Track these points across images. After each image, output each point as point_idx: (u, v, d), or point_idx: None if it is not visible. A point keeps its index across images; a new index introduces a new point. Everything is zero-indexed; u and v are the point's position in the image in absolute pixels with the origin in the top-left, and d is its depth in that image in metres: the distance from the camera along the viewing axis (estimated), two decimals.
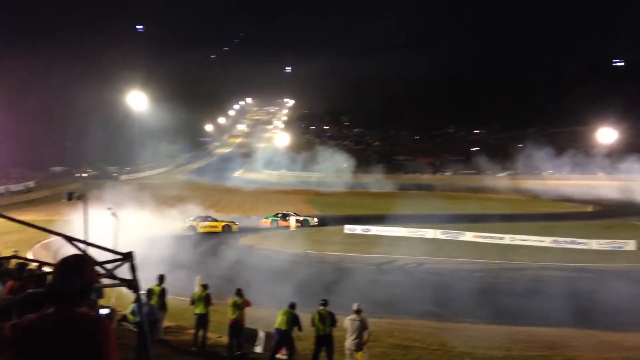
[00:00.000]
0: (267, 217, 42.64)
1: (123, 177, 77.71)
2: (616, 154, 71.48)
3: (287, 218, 42.25)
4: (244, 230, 38.94)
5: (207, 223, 39.16)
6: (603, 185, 71.45)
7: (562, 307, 19.31)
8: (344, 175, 67.19)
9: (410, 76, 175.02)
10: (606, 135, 79.52)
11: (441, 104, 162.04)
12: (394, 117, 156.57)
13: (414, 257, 30.77)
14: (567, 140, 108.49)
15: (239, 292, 13.65)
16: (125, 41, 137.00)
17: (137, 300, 4.16)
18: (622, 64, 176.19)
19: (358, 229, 39.50)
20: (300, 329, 12.35)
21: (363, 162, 78.56)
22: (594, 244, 33.14)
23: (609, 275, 26.46)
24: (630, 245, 32.39)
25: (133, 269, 3.75)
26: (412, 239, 36.84)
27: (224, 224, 39.37)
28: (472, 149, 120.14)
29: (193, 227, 38.46)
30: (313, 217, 43.75)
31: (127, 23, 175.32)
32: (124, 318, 14.31)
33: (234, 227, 39.42)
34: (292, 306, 12.51)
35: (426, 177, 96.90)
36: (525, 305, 20.05)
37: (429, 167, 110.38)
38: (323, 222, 43.18)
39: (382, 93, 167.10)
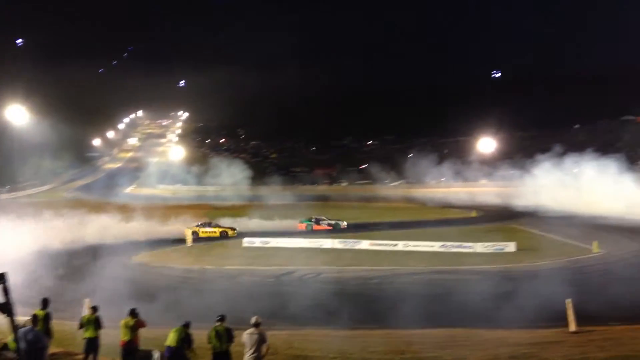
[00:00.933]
0: (302, 221, 47.12)
1: (2, 195, 72.03)
2: (496, 162, 76.80)
3: (320, 222, 46.69)
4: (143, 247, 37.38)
5: (208, 229, 43.68)
6: (485, 191, 76.34)
7: (452, 308, 20.41)
8: (241, 188, 66.56)
9: (305, 89, 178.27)
10: (486, 144, 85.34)
11: (336, 117, 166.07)
12: (291, 129, 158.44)
13: (313, 267, 31.12)
14: (452, 149, 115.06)
15: (132, 313, 13.08)
16: (4, 54, 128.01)
17: (14, 326, 3.89)
18: (499, 75, 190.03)
19: (257, 241, 39.33)
20: (189, 347, 12.07)
21: (260, 175, 78.26)
22: (479, 247, 35.29)
23: (493, 275, 28.23)
24: (510, 247, 34.85)
25: (6, 291, 3.52)
26: (311, 250, 37.25)
27: (221, 229, 43.94)
28: (367, 160, 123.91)
29: (195, 233, 42.26)
30: (343, 220, 46.61)
31: (8, 36, 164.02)
32: (5, 347, 13.21)
33: (231, 233, 43.34)
34: (187, 325, 12.19)
35: (323, 188, 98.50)
36: (418, 308, 20.87)
37: (326, 178, 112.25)
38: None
39: (277, 106, 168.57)
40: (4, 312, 3.43)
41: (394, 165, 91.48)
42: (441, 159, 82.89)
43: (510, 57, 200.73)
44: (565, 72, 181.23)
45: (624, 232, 39.80)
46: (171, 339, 11.93)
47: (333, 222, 46.98)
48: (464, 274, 29.00)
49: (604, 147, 67.59)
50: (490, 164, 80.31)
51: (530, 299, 21.80)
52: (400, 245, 36.94)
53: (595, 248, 33.22)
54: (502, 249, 34.76)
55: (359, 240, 38.91)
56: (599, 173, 55.04)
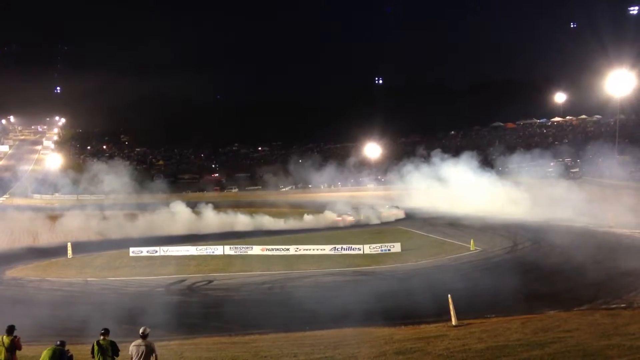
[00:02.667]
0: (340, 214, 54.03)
1: None
2: (380, 166, 79.78)
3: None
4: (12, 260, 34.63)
5: None
6: (371, 194, 78.98)
7: (341, 308, 20.91)
8: (126, 197, 63.74)
9: (194, 97, 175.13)
10: (371, 149, 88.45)
11: (225, 124, 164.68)
12: (178, 136, 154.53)
13: (203, 274, 30.61)
14: (339, 155, 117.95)
15: (9, 330, 12.07)
16: None
17: None
18: (382, 82, 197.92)
19: (144, 250, 37.89)
20: None
21: (147, 182, 75.34)
22: (367, 249, 36.44)
23: (380, 275, 29.30)
24: (396, 247, 36.33)
25: None
26: (202, 257, 36.59)
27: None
28: (256, 166, 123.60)
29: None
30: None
31: None
32: None
33: None
34: (62, 344, 11.45)
35: (212, 195, 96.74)
36: (308, 310, 21.20)
37: (216, 185, 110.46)
38: (104, 246, 40.71)
39: (163, 112, 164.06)
40: None
41: (283, 170, 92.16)
42: (328, 164, 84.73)
43: (393, 67, 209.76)
44: (446, 82, 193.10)
45: (498, 230, 42.78)
46: (43, 357, 11.12)
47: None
48: (353, 275, 29.81)
49: (479, 151, 72.39)
50: (375, 168, 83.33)
51: (415, 296, 22.98)
52: (292, 250, 37.28)
53: (472, 246, 35.53)
54: (389, 250, 36.14)
55: (250, 245, 38.71)
56: (475, 175, 58.82)
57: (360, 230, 48.28)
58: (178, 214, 53.09)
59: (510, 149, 73.42)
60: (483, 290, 23.96)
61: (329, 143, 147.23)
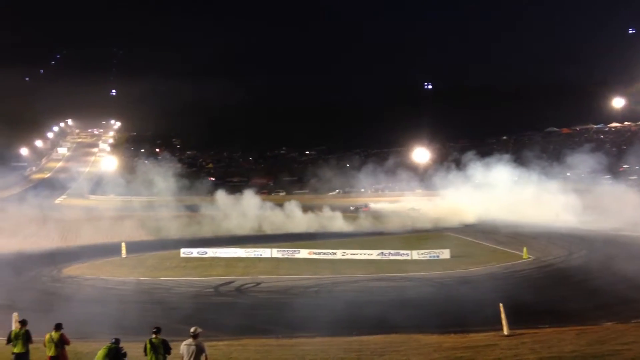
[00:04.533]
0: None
1: None
2: (430, 171, 78.61)
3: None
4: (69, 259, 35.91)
5: None
6: (419, 199, 77.95)
7: (389, 314, 20.70)
8: (177, 199, 65.24)
9: (240, 100, 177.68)
10: (420, 154, 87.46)
11: (273, 127, 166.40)
12: (226, 139, 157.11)
13: (252, 276, 30.90)
14: (387, 159, 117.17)
15: (57, 327, 12.51)
16: None
17: None
18: (431, 87, 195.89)
19: (194, 252, 38.62)
20: None
21: (197, 185, 76.86)
22: (415, 255, 36.05)
23: (429, 282, 28.90)
24: (445, 254, 35.80)
25: None
26: (250, 259, 37.01)
27: None
28: (304, 170, 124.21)
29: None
30: None
31: None
32: None
33: None
34: (116, 341, 11.76)
35: (261, 198, 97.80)
36: (357, 315, 21.08)
37: (264, 188, 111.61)
38: (155, 246, 41.77)
39: (211, 116, 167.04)
40: None
41: (332, 174, 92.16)
42: (375, 168, 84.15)
43: (442, 70, 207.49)
44: (495, 86, 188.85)
45: (552, 238, 41.60)
46: (99, 355, 11.47)
47: None
48: (401, 280, 29.50)
49: (532, 156, 70.51)
50: (423, 173, 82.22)
51: (464, 304, 22.52)
52: (339, 254, 37.26)
53: (525, 254, 34.63)
54: (437, 256, 35.64)
55: (297, 249, 38.87)
56: (527, 182, 57.34)
57: (409, 236, 47.82)
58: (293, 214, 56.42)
59: (565, 155, 71.10)
60: (536, 299, 23.31)
61: (376, 147, 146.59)
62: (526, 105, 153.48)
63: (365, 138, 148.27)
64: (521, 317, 19.08)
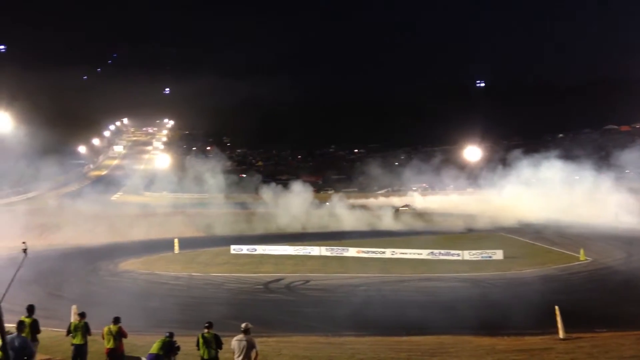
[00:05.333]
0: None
1: None
2: (481, 169, 77.01)
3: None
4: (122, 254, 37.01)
5: None
6: (470, 198, 76.50)
7: (440, 315, 20.35)
8: (228, 196, 66.36)
9: (289, 98, 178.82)
10: (472, 152, 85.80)
11: (321, 125, 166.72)
12: (275, 137, 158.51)
13: (301, 274, 31.04)
14: (437, 157, 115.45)
15: (115, 320, 12.87)
16: None
17: (3, 332, 3.75)
18: (483, 85, 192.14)
19: (244, 248, 39.13)
20: (173, 356, 11.87)
21: (247, 182, 78.00)
22: (466, 255, 35.38)
23: (481, 283, 28.29)
24: (498, 254, 34.97)
25: None
26: (298, 257, 37.19)
27: None
28: (352, 168, 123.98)
29: None
30: None
31: None
32: None
33: None
34: (170, 335, 11.99)
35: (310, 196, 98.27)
36: (406, 315, 20.84)
37: (313, 186, 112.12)
38: (206, 243, 42.53)
39: (261, 114, 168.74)
40: None
41: (380, 172, 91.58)
42: (426, 167, 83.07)
43: (495, 67, 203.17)
44: (549, 82, 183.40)
45: (610, 240, 40.09)
46: (154, 347, 11.75)
47: None
48: (451, 281, 29.00)
49: (590, 155, 68.03)
50: (476, 171, 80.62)
51: (518, 306, 21.88)
52: (388, 253, 36.98)
53: (582, 256, 33.45)
54: (490, 257, 34.87)
55: (346, 247, 38.81)
56: (584, 181, 55.43)
57: (459, 236, 47.04)
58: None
59: (626, 153, 68.29)
60: (593, 302, 22.49)
61: (426, 145, 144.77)
62: (585, 103, 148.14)
63: (416, 136, 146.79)
64: (578, 320, 18.42)
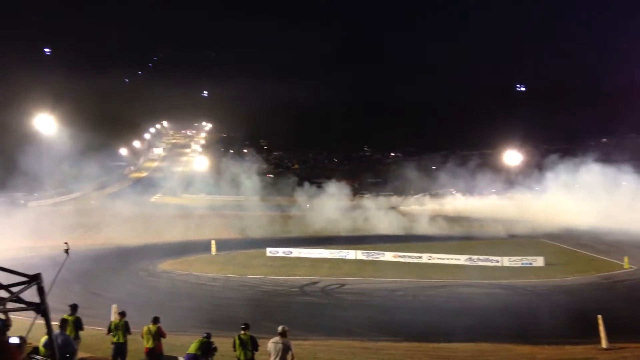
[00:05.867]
0: None
1: (31, 203, 73.16)
2: (521, 174, 75.49)
3: None
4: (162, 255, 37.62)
5: None
6: (510, 204, 75.03)
7: (479, 322, 19.98)
8: (264, 199, 66.81)
9: (326, 101, 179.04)
10: (511, 157, 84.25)
11: (357, 128, 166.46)
12: (312, 140, 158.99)
13: (336, 277, 30.94)
14: (477, 162, 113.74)
15: (155, 320, 13.04)
16: (33, 64, 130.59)
17: (49, 328, 3.79)
18: (524, 89, 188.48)
19: (280, 251, 39.24)
20: (210, 356, 11.94)
21: (283, 185, 78.37)
22: (506, 261, 34.64)
23: (521, 290, 27.67)
24: (538, 261, 34.13)
25: (41, 292, 3.41)
26: (334, 260, 37.07)
27: None
28: (389, 171, 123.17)
29: None
30: None
31: (36, 45, 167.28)
32: (36, 350, 13.23)
33: None
34: (208, 336, 12.08)
35: (345, 199, 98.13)
36: (444, 322, 20.52)
37: (349, 189, 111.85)
38: (243, 245, 42.85)
39: (298, 117, 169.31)
40: (38, 313, 3.33)
41: (416, 176, 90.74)
42: (464, 171, 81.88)
43: (535, 70, 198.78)
44: (590, 85, 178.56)
45: None
46: (192, 348, 11.86)
47: None
48: (490, 288, 28.46)
49: (629, 160, 65.87)
50: (515, 176, 79.05)
51: (559, 315, 21.30)
52: (425, 258, 36.53)
53: (626, 264, 32.39)
54: (530, 264, 34.07)
55: (382, 252, 38.51)
56: (629, 187, 53.75)
57: (499, 241, 46.16)
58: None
59: None
60: (638, 312, 21.70)
61: (464, 149, 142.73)
62: (630, 107, 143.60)
63: (454, 139, 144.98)
64: (622, 330, 17.76)
